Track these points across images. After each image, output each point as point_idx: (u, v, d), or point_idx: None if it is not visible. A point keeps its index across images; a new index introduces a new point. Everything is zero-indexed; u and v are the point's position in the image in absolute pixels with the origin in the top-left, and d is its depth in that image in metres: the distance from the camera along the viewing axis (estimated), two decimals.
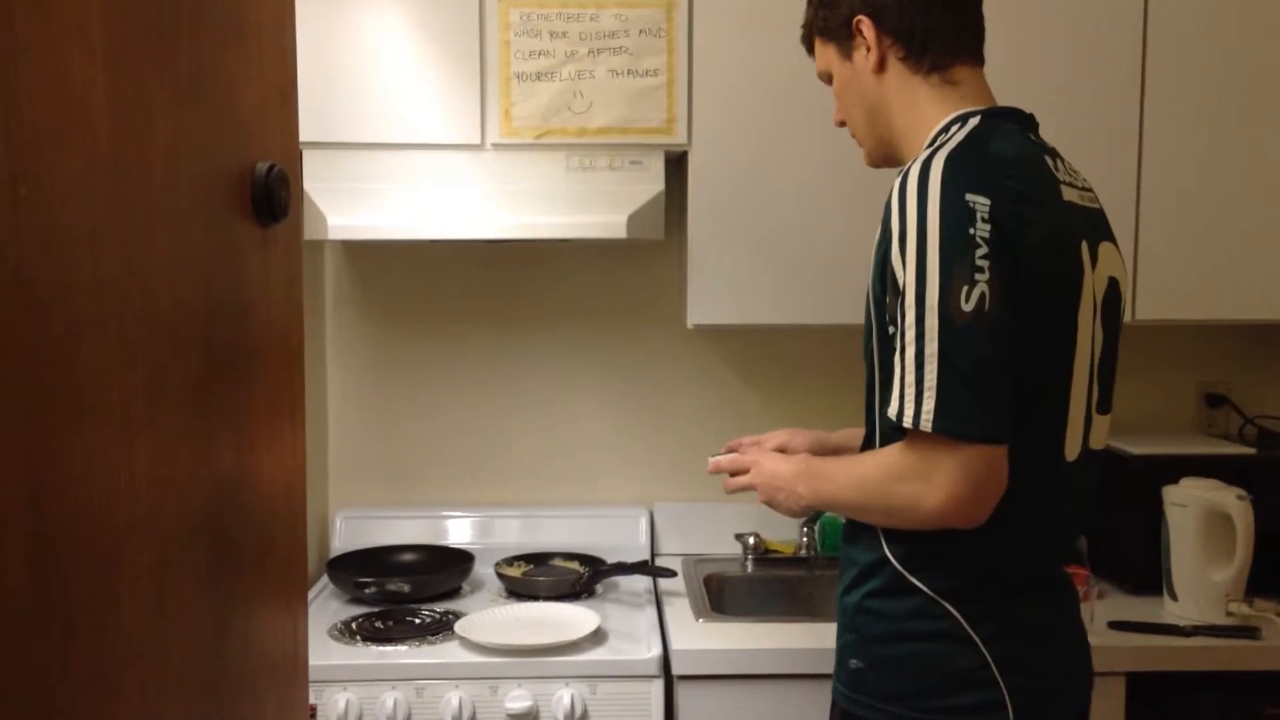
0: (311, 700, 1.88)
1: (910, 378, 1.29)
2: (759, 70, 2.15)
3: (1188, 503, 2.04)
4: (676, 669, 1.91)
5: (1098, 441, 1.47)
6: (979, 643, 1.36)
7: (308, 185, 2.09)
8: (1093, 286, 1.41)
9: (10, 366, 0.57)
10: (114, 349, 0.67)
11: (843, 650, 1.48)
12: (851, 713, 1.46)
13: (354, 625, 2.08)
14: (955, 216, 1.27)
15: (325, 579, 2.32)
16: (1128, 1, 2.17)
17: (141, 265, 0.70)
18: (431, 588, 2.23)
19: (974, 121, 1.42)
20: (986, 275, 1.25)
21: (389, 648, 1.98)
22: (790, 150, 2.17)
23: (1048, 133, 2.16)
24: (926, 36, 1.45)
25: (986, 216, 1.27)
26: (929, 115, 1.46)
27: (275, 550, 0.93)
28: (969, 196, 1.28)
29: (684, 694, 1.91)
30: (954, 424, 1.26)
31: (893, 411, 1.31)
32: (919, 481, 1.31)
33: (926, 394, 1.27)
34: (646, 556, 2.44)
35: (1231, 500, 1.98)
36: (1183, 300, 2.21)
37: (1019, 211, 1.30)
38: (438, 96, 2.12)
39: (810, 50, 1.61)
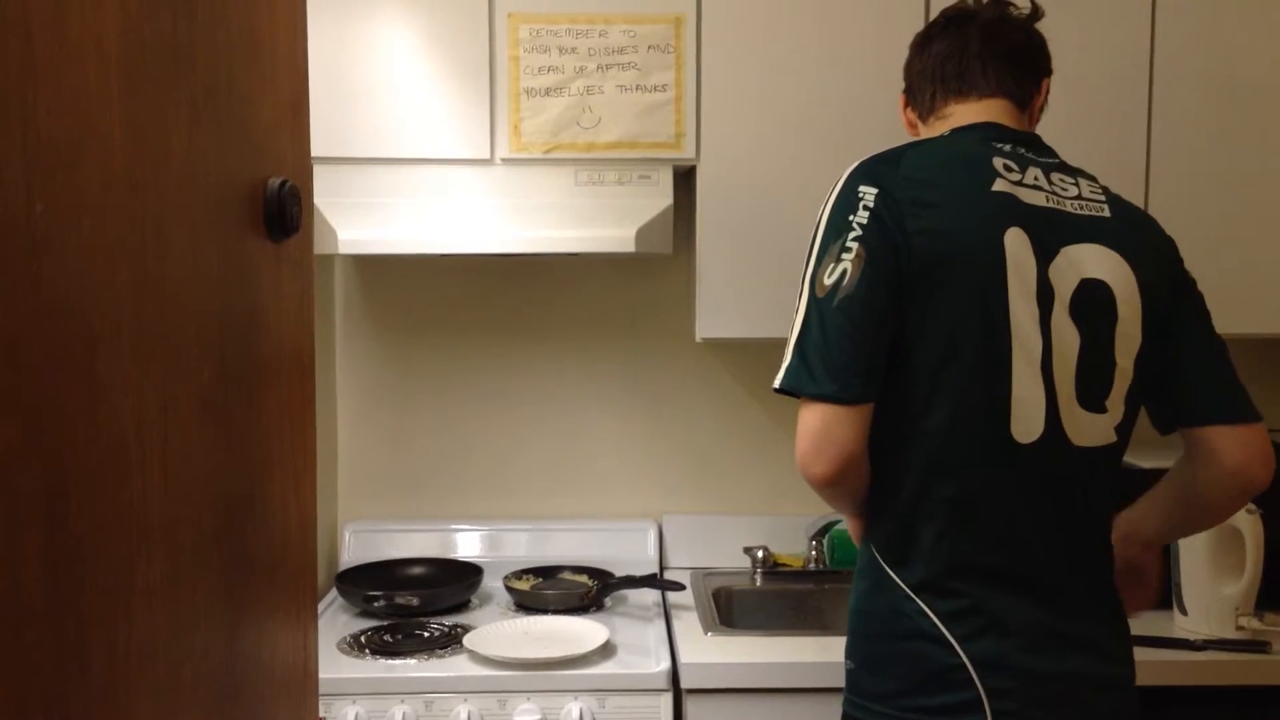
0: (320, 713, 1.88)
1: (788, 346, 1.42)
2: (767, 85, 2.16)
3: None
4: (685, 683, 1.91)
5: (1085, 437, 1.46)
6: (954, 642, 1.39)
7: (318, 200, 2.10)
8: (1037, 276, 1.42)
9: (26, 378, 0.58)
10: (128, 362, 0.68)
11: (845, 651, 1.53)
12: (849, 714, 1.50)
13: (363, 638, 2.08)
14: (841, 206, 1.42)
15: (334, 592, 2.32)
16: (1134, 16, 2.17)
17: (155, 279, 0.71)
18: (440, 601, 2.24)
19: (942, 134, 1.56)
20: (851, 254, 1.37)
21: (398, 661, 1.98)
22: (798, 164, 2.18)
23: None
24: (919, 91, 1.62)
25: (869, 205, 1.40)
26: None
27: (286, 562, 0.94)
28: (860, 188, 1.42)
29: (693, 708, 1.91)
30: (789, 382, 1.39)
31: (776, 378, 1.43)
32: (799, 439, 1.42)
33: (785, 358, 1.41)
34: (655, 569, 2.44)
35: (1241, 514, 1.98)
36: None
37: (911, 196, 1.40)
38: (448, 112, 2.14)
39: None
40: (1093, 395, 1.46)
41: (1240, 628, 1.99)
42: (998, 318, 1.40)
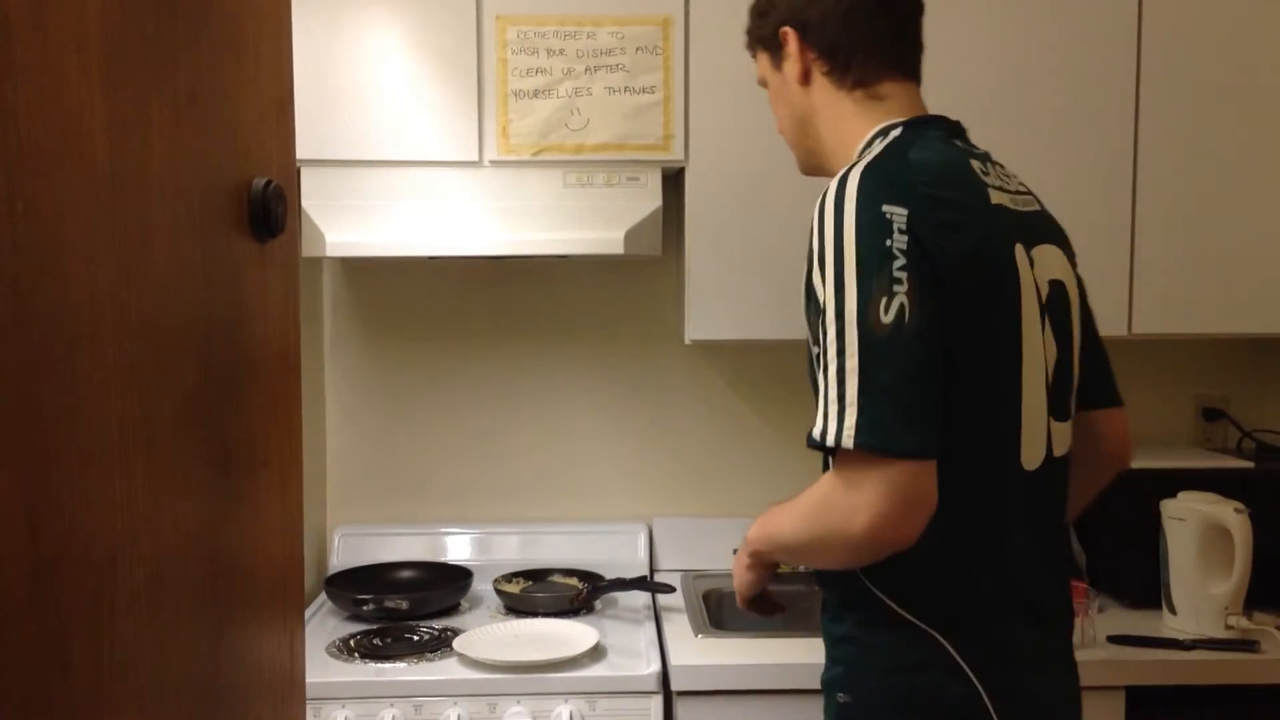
0: (309, 718, 1.87)
1: (833, 394, 1.24)
2: (755, 86, 2.16)
3: (1186, 516, 2.04)
4: (675, 685, 1.91)
5: (1060, 448, 1.42)
6: (968, 671, 1.31)
7: (306, 203, 2.09)
8: (1035, 290, 1.37)
9: (6, 381, 0.57)
10: (110, 364, 0.67)
11: (829, 684, 1.42)
12: None
13: (352, 642, 2.07)
14: (871, 229, 1.25)
15: (323, 596, 2.31)
16: (1122, 15, 2.18)
17: (138, 280, 0.70)
18: (430, 604, 2.23)
19: (895, 133, 1.41)
20: (905, 286, 1.22)
21: (387, 665, 1.97)
22: (787, 165, 2.16)
23: (1044, 147, 2.18)
24: (849, 53, 1.45)
25: (904, 228, 1.24)
26: (855, 129, 1.45)
27: (272, 565, 0.93)
28: (885, 208, 1.25)
29: (683, 710, 1.91)
30: (877, 439, 1.21)
31: (816, 432, 1.25)
32: (846, 503, 1.24)
33: (848, 410, 1.22)
34: (645, 572, 2.44)
35: (1230, 514, 1.98)
36: (1180, 314, 2.21)
37: (939, 218, 1.27)
38: (435, 114, 2.13)
39: (754, 56, 1.60)
40: (1062, 403, 1.43)
41: (1229, 627, 2.00)
42: (1015, 343, 1.33)
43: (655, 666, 1.94)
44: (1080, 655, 1.94)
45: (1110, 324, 2.21)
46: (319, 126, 2.09)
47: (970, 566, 1.33)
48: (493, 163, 2.15)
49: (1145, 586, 2.13)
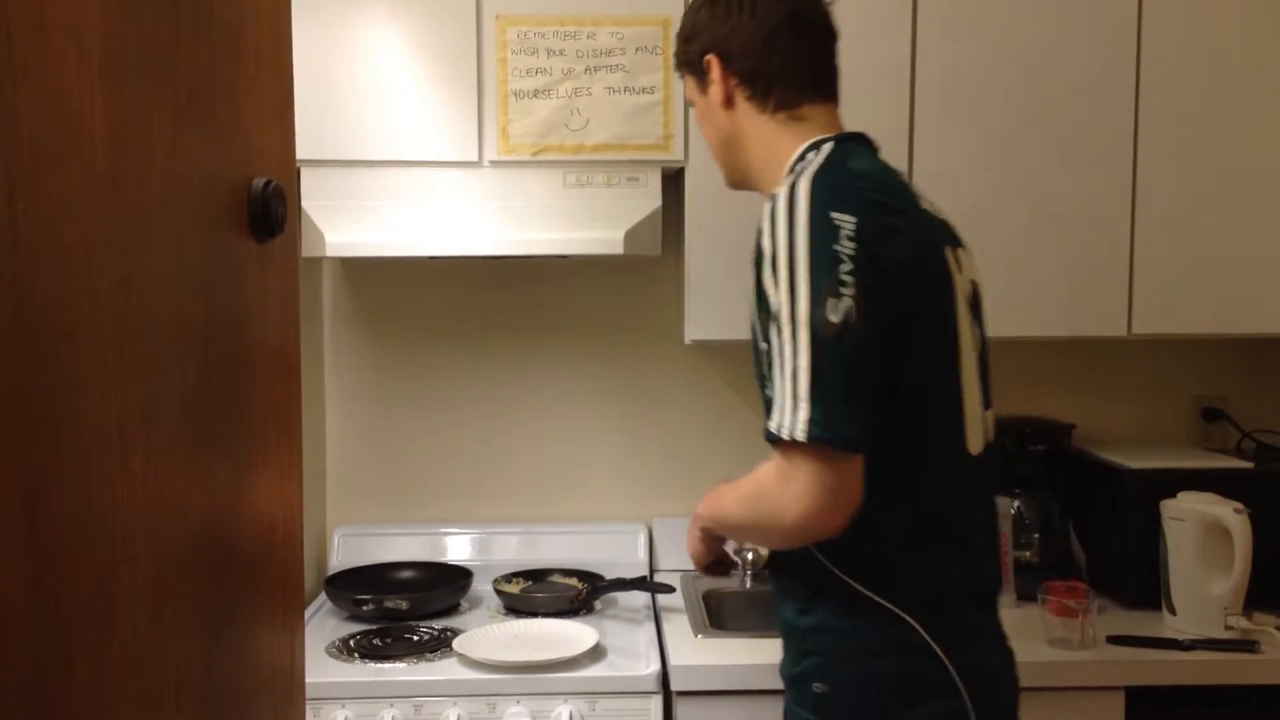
0: (309, 718, 1.87)
1: (787, 390, 1.31)
2: None
3: (1186, 517, 2.04)
4: (675, 685, 1.91)
5: (991, 434, 1.51)
6: (939, 651, 1.38)
7: (306, 203, 2.09)
8: (962, 288, 1.46)
9: (7, 379, 0.57)
10: (111, 363, 0.67)
11: (802, 676, 1.45)
12: None
13: (352, 642, 2.07)
14: (821, 234, 1.32)
15: (323, 596, 2.31)
16: (1122, 16, 2.18)
17: (138, 279, 0.70)
18: (430, 605, 2.23)
19: (827, 147, 1.48)
20: (852, 290, 1.30)
21: (387, 665, 1.97)
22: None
23: (1042, 149, 2.18)
24: (770, 79, 1.52)
25: (851, 234, 1.32)
26: (782, 147, 1.52)
27: (272, 565, 0.93)
28: (834, 215, 1.33)
29: (683, 710, 1.91)
30: (824, 433, 1.28)
31: (773, 425, 1.32)
32: (784, 492, 1.32)
33: (800, 405, 1.29)
34: (645, 572, 2.44)
35: (1229, 514, 1.98)
36: (1179, 314, 2.21)
37: (883, 223, 1.35)
38: (435, 114, 2.13)
39: (681, 78, 1.66)
40: (987, 392, 1.52)
41: (1229, 627, 2.00)
42: (953, 336, 1.43)
43: (655, 667, 1.94)
44: (1080, 655, 1.95)
45: (1110, 324, 2.21)
46: (319, 126, 2.10)
47: (934, 550, 1.41)
48: (492, 163, 2.15)
49: (1144, 587, 2.13)
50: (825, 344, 1.29)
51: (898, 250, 1.34)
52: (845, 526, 1.32)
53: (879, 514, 1.36)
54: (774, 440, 1.32)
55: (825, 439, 1.28)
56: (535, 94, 2.14)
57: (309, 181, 2.11)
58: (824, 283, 1.30)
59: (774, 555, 1.52)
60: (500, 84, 2.14)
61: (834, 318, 1.29)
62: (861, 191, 1.37)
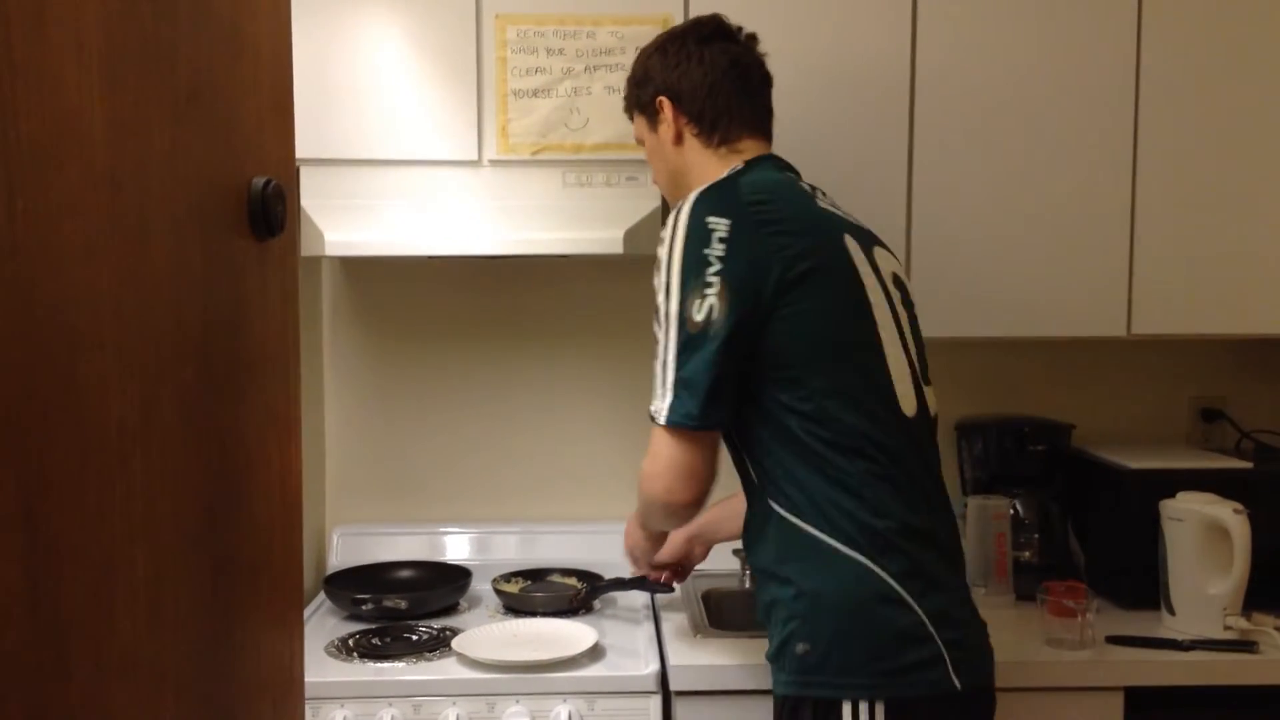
0: (308, 717, 1.87)
1: (660, 379, 1.51)
2: None
3: (1185, 517, 2.04)
4: (674, 685, 1.91)
5: (932, 407, 1.66)
6: (909, 599, 1.49)
7: (305, 202, 2.09)
8: (873, 269, 1.60)
9: (6, 380, 0.57)
10: (110, 361, 0.67)
11: (784, 642, 1.54)
12: (805, 697, 1.52)
13: (351, 642, 2.07)
14: (695, 239, 1.50)
15: (322, 595, 2.31)
16: (1122, 17, 2.18)
17: (138, 278, 0.70)
18: (429, 604, 2.23)
19: (738, 167, 1.67)
20: (716, 289, 1.47)
21: (386, 664, 1.97)
22: None
23: (1041, 150, 2.18)
24: (715, 118, 1.71)
25: (724, 236, 1.49)
26: (716, 175, 1.67)
27: (271, 564, 0.93)
28: (709, 219, 1.51)
29: (682, 710, 1.90)
30: (680, 418, 1.49)
31: (652, 409, 1.53)
32: (651, 469, 1.55)
33: (667, 393, 1.50)
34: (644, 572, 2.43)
35: (1228, 514, 1.98)
36: (1178, 314, 2.21)
37: (761, 219, 1.52)
38: (435, 113, 2.13)
39: (631, 119, 1.85)
40: (925, 369, 1.67)
41: (1228, 628, 2.00)
42: (863, 310, 1.56)
43: (654, 666, 1.94)
44: (1078, 655, 1.95)
45: (1109, 324, 2.21)
46: (318, 126, 2.09)
47: (884, 497, 1.52)
48: (492, 162, 2.15)
49: (1143, 587, 2.13)
50: (688, 339, 1.48)
51: (782, 241, 1.50)
52: (701, 500, 1.55)
53: (840, 460, 1.50)
54: (653, 421, 1.53)
55: (680, 423, 1.49)
56: (535, 93, 2.14)
57: (308, 181, 2.11)
58: (692, 285, 1.48)
59: (745, 532, 1.64)
60: (500, 83, 2.14)
61: (697, 316, 1.47)
62: (740, 197, 1.54)
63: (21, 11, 0.59)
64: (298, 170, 2.08)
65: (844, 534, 1.51)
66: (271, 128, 0.92)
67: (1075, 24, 2.18)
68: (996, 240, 2.19)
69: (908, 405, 1.58)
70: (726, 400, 1.51)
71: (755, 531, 1.60)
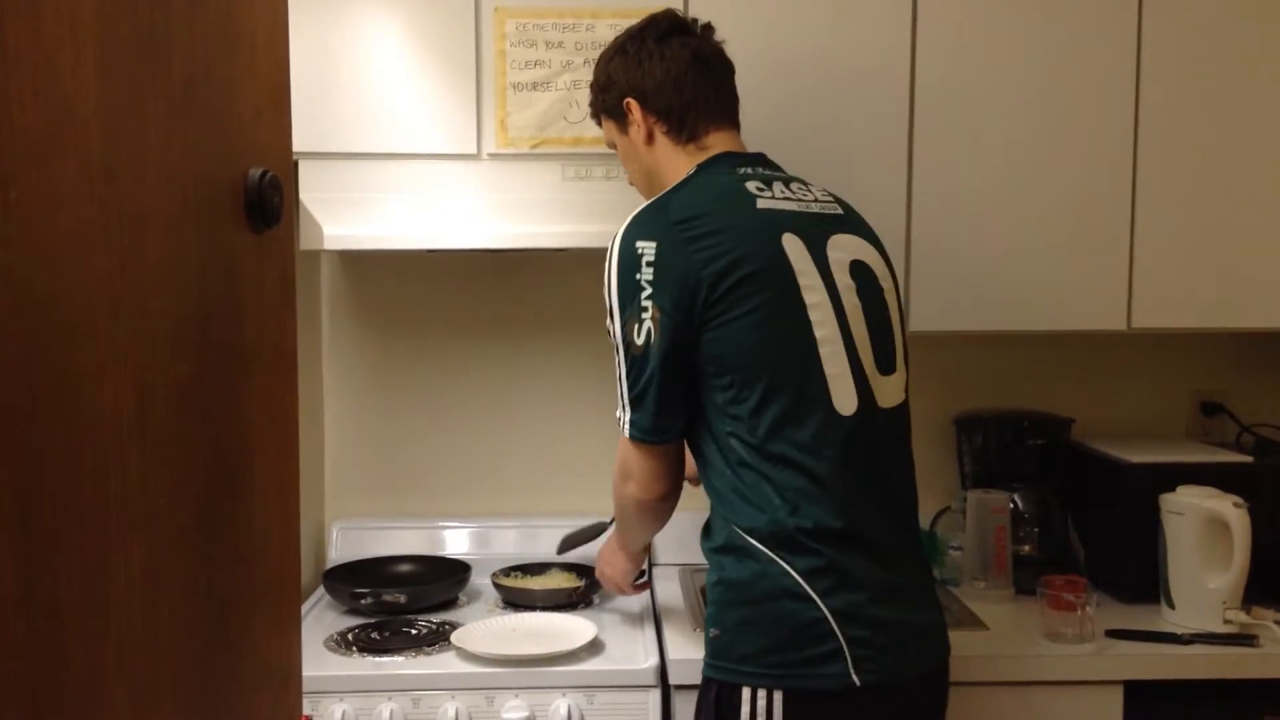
0: (307, 711, 1.87)
1: (619, 397, 1.64)
2: (751, 77, 2.15)
3: (1185, 511, 2.04)
4: (673, 679, 1.91)
5: (887, 399, 1.65)
6: (814, 597, 1.54)
7: (304, 196, 2.08)
8: (819, 267, 1.61)
9: (0, 371, 0.57)
10: (105, 353, 0.67)
11: (706, 626, 1.63)
12: (714, 679, 1.60)
13: (350, 636, 2.07)
14: (627, 266, 1.59)
15: (321, 590, 2.31)
16: (1122, 14, 2.17)
17: (133, 270, 0.70)
18: (428, 598, 2.23)
19: (691, 171, 1.71)
20: (650, 313, 1.57)
21: (385, 658, 1.97)
22: (784, 160, 2.17)
23: (1041, 143, 2.17)
24: (683, 112, 1.75)
25: (651, 260, 1.57)
26: (684, 172, 1.73)
27: (268, 557, 0.93)
28: (638, 244, 1.58)
29: (681, 703, 1.90)
30: (639, 432, 1.63)
31: (616, 418, 1.66)
32: (622, 478, 1.70)
33: (626, 410, 1.63)
34: (643, 566, 2.43)
35: (1228, 508, 1.98)
36: (1179, 308, 2.21)
37: (689, 234, 1.57)
38: (434, 106, 2.13)
39: (599, 124, 1.89)
40: (885, 359, 1.66)
41: (1228, 621, 2.00)
42: (798, 312, 1.58)
43: (653, 660, 1.94)
44: (1078, 649, 1.95)
45: (1109, 318, 2.21)
46: (317, 119, 2.09)
47: (801, 500, 1.56)
48: (491, 156, 2.14)
49: (1144, 581, 2.13)
50: (634, 361, 1.60)
51: (706, 254, 1.56)
52: (675, 492, 1.69)
53: (763, 464, 1.56)
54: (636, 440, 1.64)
55: (639, 437, 1.62)
56: (534, 86, 2.13)
57: (307, 174, 2.10)
58: (629, 310, 1.59)
59: (705, 526, 1.69)
60: (499, 76, 2.13)
61: (638, 340, 1.58)
62: (669, 217, 1.60)
63: (15, 1, 0.58)
64: (296, 162, 2.07)
65: (759, 532, 1.57)
66: (268, 118, 0.91)
67: (1076, 21, 2.17)
68: (997, 234, 2.18)
69: (845, 404, 1.59)
70: (677, 412, 1.62)
71: (708, 520, 1.68)
